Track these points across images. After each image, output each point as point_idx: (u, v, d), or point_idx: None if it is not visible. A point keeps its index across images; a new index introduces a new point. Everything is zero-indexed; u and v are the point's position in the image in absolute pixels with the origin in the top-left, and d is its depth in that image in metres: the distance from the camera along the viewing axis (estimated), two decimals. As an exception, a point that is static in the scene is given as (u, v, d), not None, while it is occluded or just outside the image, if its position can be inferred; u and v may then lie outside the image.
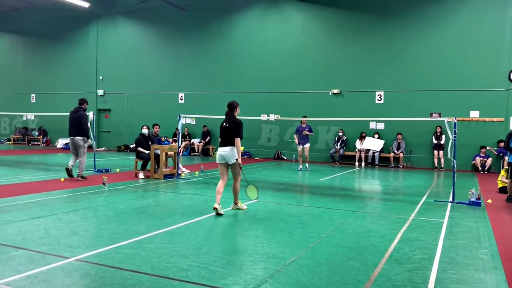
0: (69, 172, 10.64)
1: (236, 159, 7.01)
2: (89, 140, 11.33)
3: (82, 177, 10.65)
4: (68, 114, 11.29)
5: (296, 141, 14.66)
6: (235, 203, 7.39)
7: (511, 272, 4.43)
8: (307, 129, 14.39)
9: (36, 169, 12.97)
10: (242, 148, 12.93)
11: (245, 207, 7.44)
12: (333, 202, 8.49)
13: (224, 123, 7.27)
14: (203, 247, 5.03)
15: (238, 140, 7.04)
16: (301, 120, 14.60)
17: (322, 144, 18.41)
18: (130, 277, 4.00)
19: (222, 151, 7.11)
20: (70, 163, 10.79)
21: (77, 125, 10.84)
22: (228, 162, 7.10)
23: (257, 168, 15.18)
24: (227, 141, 7.11)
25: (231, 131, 7.12)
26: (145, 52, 22.42)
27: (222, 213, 6.92)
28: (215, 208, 6.86)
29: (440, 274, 4.32)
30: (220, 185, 7.15)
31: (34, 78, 25.79)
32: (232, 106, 7.38)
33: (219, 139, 7.39)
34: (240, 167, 7.12)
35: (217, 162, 7.29)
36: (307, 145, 14.42)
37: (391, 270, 4.39)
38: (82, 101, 11.37)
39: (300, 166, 14.63)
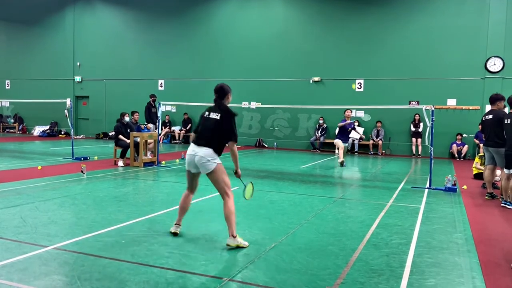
0: None
1: (236, 171, 4.98)
2: (149, 124, 13.74)
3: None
4: (44, 100, 11.80)
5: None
6: (233, 236, 4.57)
7: (484, 255, 4.57)
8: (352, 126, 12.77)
9: (12, 157, 12.66)
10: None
11: (246, 243, 4.65)
12: (313, 189, 8.58)
13: (209, 113, 4.84)
14: (183, 235, 5.03)
15: (233, 145, 4.82)
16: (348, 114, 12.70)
17: (302, 131, 18.50)
18: (110, 265, 3.98)
19: (197, 152, 4.66)
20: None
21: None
22: (202, 172, 4.73)
23: (238, 156, 15.15)
24: (209, 139, 4.69)
25: (218, 126, 4.72)
26: (124, 37, 21.95)
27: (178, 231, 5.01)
28: (173, 233, 4.95)
29: (416, 258, 4.43)
30: (186, 197, 4.99)
31: (8, 64, 24.99)
32: (222, 91, 4.87)
33: (193, 134, 4.95)
34: (239, 177, 5.09)
35: (186, 167, 4.87)
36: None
37: (369, 254, 4.48)
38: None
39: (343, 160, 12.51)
